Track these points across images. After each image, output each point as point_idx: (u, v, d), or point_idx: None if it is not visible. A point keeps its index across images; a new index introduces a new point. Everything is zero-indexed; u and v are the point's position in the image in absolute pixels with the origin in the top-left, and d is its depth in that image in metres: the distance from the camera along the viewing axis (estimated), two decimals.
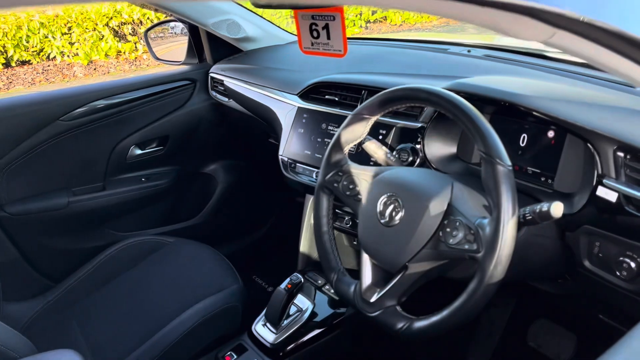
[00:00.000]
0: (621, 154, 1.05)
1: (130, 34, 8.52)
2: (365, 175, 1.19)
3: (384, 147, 1.32)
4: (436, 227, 1.02)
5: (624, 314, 1.17)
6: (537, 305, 1.73)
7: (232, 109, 2.15)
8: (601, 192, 1.06)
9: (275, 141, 2.06)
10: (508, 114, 1.32)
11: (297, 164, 1.66)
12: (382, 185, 1.13)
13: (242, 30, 2.15)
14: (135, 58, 8.55)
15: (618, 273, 1.08)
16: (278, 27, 2.29)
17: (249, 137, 2.33)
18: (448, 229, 1.00)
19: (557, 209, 0.95)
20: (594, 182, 1.08)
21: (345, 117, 1.56)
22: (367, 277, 1.14)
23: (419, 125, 1.41)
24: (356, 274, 1.20)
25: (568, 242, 1.17)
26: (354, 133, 1.22)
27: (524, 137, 1.30)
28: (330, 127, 1.61)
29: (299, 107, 1.71)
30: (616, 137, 1.04)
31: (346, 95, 1.63)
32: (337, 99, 1.63)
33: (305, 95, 1.73)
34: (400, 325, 1.04)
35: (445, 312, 0.98)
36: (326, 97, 1.66)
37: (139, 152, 2.14)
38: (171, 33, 2.39)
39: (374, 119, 1.19)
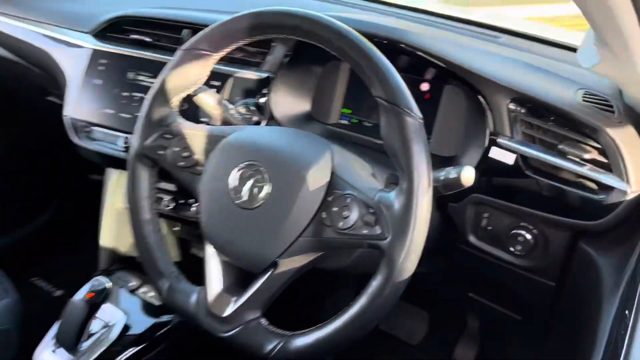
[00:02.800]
0: (517, 107, 0.88)
1: None
2: (206, 137, 0.85)
3: (224, 101, 0.98)
4: (317, 206, 0.73)
5: (507, 293, 1.05)
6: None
7: None
8: (495, 153, 0.90)
9: (57, 99, 1.54)
10: None
11: (94, 128, 1.22)
12: (236, 151, 0.80)
13: None
14: None
15: (512, 249, 0.93)
16: None
17: (16, 96, 1.75)
18: (335, 208, 0.72)
19: (467, 175, 0.73)
20: (485, 142, 0.91)
21: (162, 63, 1.17)
22: (215, 281, 0.81)
23: (264, 75, 1.09)
24: (196, 277, 0.86)
25: (450, 214, 0.99)
26: (187, 77, 0.86)
27: None
28: (140, 77, 1.20)
29: (94, 50, 1.25)
30: (513, 87, 0.87)
31: (162, 35, 1.23)
32: (148, 39, 1.22)
33: (101, 34, 1.28)
34: (270, 346, 0.74)
35: (337, 323, 0.71)
36: (132, 36, 1.24)
37: None
38: None
39: (217, 56, 0.85)
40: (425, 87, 1.04)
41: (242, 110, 1.04)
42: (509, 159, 0.88)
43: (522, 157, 0.87)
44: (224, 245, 0.79)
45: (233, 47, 0.82)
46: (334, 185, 0.74)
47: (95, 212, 1.40)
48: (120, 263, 1.37)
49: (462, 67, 0.89)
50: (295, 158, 0.76)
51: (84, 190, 1.84)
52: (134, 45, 1.23)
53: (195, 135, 0.85)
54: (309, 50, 1.08)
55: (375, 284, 0.68)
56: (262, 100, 1.10)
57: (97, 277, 1.17)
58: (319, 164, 0.75)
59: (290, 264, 0.75)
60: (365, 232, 0.69)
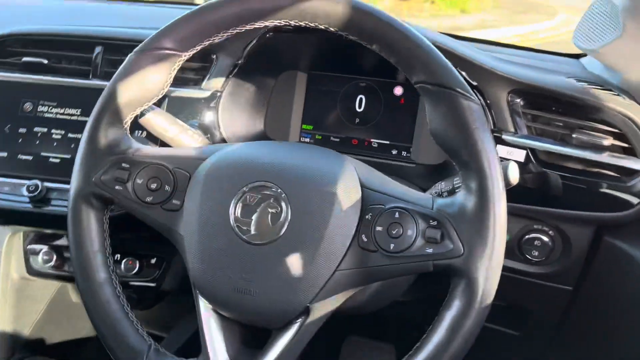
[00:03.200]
0: (517, 100, 0.81)
1: None
2: (181, 162, 0.65)
3: (178, 120, 0.79)
4: (354, 229, 0.58)
5: (507, 308, 0.95)
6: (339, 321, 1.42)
7: None
8: (501, 152, 0.81)
9: None
10: (335, 66, 0.96)
11: None
12: (233, 172, 0.61)
13: None
14: None
15: (528, 256, 0.84)
16: None
17: None
18: (379, 228, 0.57)
19: (514, 171, 0.63)
20: None
21: (69, 88, 0.95)
22: (218, 349, 0.60)
23: (208, 93, 0.91)
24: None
25: None
26: (144, 87, 0.65)
27: (360, 99, 0.96)
28: (42, 108, 0.94)
29: None
30: (512, 77, 0.80)
31: (63, 56, 0.99)
32: (46, 61, 0.97)
33: None
34: None
35: None
36: (24, 59, 0.98)
37: None
38: None
39: (184, 58, 0.66)
40: (399, 91, 0.94)
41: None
42: (518, 155, 0.79)
43: (532, 152, 0.80)
44: (229, 299, 0.59)
45: (206, 44, 0.64)
46: (369, 200, 0.59)
47: None
48: (24, 351, 1.07)
49: (455, 54, 0.80)
50: (314, 173, 0.60)
51: None
52: (26, 70, 0.98)
53: (166, 160, 0.65)
54: (258, 61, 0.93)
55: (454, 314, 0.54)
56: (207, 120, 0.92)
57: None
58: (345, 177, 0.60)
59: (326, 306, 0.58)
60: (429, 251, 0.55)
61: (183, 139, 0.79)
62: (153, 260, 1.04)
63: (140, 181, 0.64)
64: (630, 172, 0.76)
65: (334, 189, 0.58)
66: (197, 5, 1.26)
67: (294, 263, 0.57)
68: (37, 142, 0.93)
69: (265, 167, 0.61)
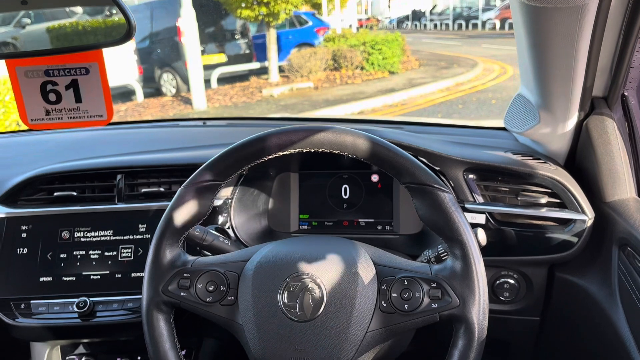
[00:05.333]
0: (472, 176, 1.04)
1: None
2: (228, 266, 0.83)
3: (210, 230, 0.97)
4: (375, 298, 0.77)
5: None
6: None
7: None
8: (467, 217, 1.03)
9: None
10: (320, 165, 1.17)
11: (32, 302, 1.06)
12: (276, 268, 0.79)
13: None
14: None
15: (501, 297, 1.05)
16: None
17: None
18: (394, 294, 0.76)
19: (482, 236, 0.85)
20: None
21: (99, 214, 1.11)
22: None
23: (221, 201, 1.10)
24: None
25: None
26: (193, 212, 0.83)
27: (345, 188, 1.17)
28: (78, 234, 1.10)
29: (8, 218, 1.11)
30: (464, 159, 1.03)
31: (88, 187, 1.16)
32: (75, 193, 1.14)
33: (10, 199, 1.15)
34: None
35: None
36: (56, 194, 1.14)
37: None
38: None
39: (223, 184, 0.85)
40: (375, 178, 1.16)
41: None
42: (479, 219, 1.02)
43: (490, 215, 1.02)
44: None
45: (239, 172, 0.84)
46: (382, 274, 0.78)
47: None
48: None
49: (420, 149, 1.03)
50: (339, 258, 0.79)
51: None
52: (58, 203, 1.14)
53: (217, 266, 0.82)
54: (258, 170, 1.13)
55: (460, 349, 0.72)
56: (221, 223, 1.10)
57: None
58: (361, 258, 0.79)
59: None
60: (435, 305, 0.74)
61: (216, 243, 0.96)
62: (183, 352, 1.17)
63: (200, 285, 0.81)
64: (565, 221, 0.99)
65: (355, 270, 0.77)
66: (203, 120, 1.48)
67: (335, 332, 0.75)
68: (78, 263, 1.08)
69: (301, 259, 0.79)
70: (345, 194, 1.17)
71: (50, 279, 1.07)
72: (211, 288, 0.81)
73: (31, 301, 1.06)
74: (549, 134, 1.00)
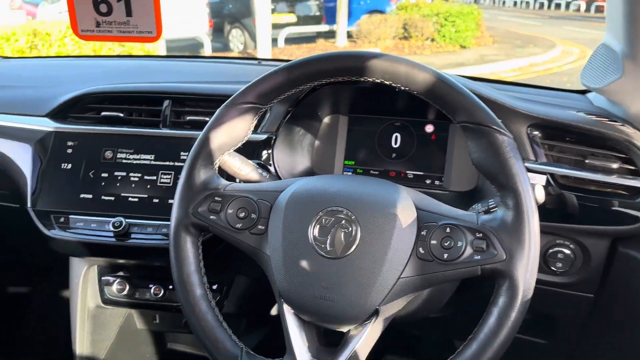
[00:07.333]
0: (536, 132, 0.95)
1: None
2: (262, 194, 0.79)
3: (249, 161, 0.93)
4: (413, 243, 0.71)
5: (535, 317, 1.06)
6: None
7: None
8: None
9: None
10: (372, 109, 1.10)
11: (71, 216, 1.07)
12: (310, 200, 0.74)
13: None
14: None
15: (553, 267, 0.97)
16: None
17: None
18: (433, 241, 0.70)
19: (540, 192, 0.76)
20: None
21: (143, 137, 1.09)
22: (301, 348, 0.73)
23: (264, 136, 1.06)
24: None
25: None
26: (232, 134, 0.80)
27: (395, 137, 1.10)
28: (121, 155, 1.09)
29: (57, 133, 1.12)
30: (530, 113, 0.94)
31: (136, 110, 1.14)
32: (122, 115, 1.13)
33: (60, 115, 1.15)
34: None
35: (470, 351, 0.67)
36: (104, 114, 1.13)
37: None
38: None
39: (264, 109, 0.80)
40: (430, 128, 1.08)
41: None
42: (540, 180, 0.93)
43: (551, 177, 0.93)
44: (310, 305, 0.72)
45: (281, 97, 0.79)
46: (423, 219, 0.72)
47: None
48: None
49: (483, 96, 0.94)
50: (378, 198, 0.73)
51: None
52: (105, 123, 1.13)
53: (250, 193, 0.78)
54: (307, 108, 1.08)
55: (500, 307, 0.66)
56: (264, 159, 1.06)
57: None
58: (402, 200, 0.73)
59: (391, 308, 0.71)
60: (477, 257, 0.67)
61: (253, 176, 0.93)
62: (215, 287, 1.16)
63: (231, 211, 0.77)
64: (637, 191, 0.89)
65: (394, 211, 0.71)
66: (258, 60, 1.45)
67: (365, 273, 0.70)
68: (118, 184, 1.07)
69: (337, 194, 0.74)
70: (396, 143, 1.10)
71: (90, 196, 1.07)
72: (242, 215, 0.77)
73: (70, 216, 1.07)
74: (631, 90, 0.89)
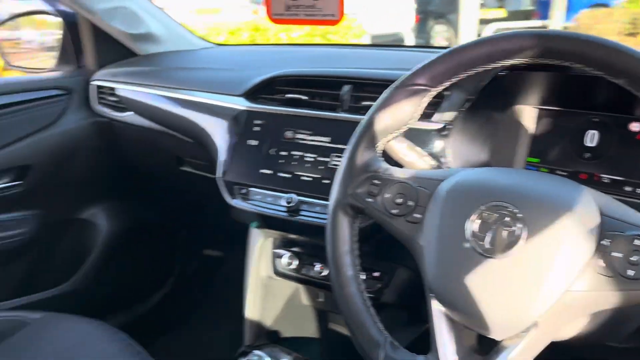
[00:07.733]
0: None
1: None
2: (422, 182, 0.75)
3: (417, 147, 0.89)
4: (591, 253, 0.60)
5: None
6: None
7: (127, 128, 1.57)
8: None
9: (193, 169, 1.53)
10: (565, 102, 0.98)
11: (251, 189, 1.16)
12: (472, 193, 0.69)
13: (144, 24, 1.62)
14: None
15: None
16: (187, 30, 1.80)
17: (150, 167, 1.75)
18: (617, 254, 0.59)
19: None
20: None
21: (322, 120, 1.12)
22: (448, 348, 0.68)
23: (439, 125, 1.01)
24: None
25: None
26: (398, 117, 0.78)
27: (592, 134, 0.96)
28: (299, 136, 1.15)
29: (248, 111, 1.22)
30: None
31: (317, 93, 1.19)
32: (306, 97, 1.18)
33: (253, 95, 1.25)
34: None
35: None
36: (288, 96, 1.20)
37: None
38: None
39: (434, 92, 0.77)
40: (636, 127, 0.92)
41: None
42: None
43: None
44: (462, 304, 0.67)
45: (453, 80, 0.74)
46: (607, 226, 0.61)
47: (222, 283, 1.31)
48: (267, 338, 1.27)
49: None
50: (551, 197, 0.65)
51: (206, 261, 1.78)
52: (288, 105, 1.20)
53: (410, 180, 0.76)
54: (490, 97, 1.00)
55: None
56: (436, 149, 1.01)
57: (256, 352, 1.06)
58: (583, 202, 0.63)
59: (554, 325, 0.62)
60: None
61: (419, 164, 0.89)
62: (376, 274, 1.15)
63: (388, 196, 0.75)
64: None
65: (571, 213, 0.62)
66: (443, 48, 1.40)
67: (527, 279, 0.62)
68: (293, 163, 1.13)
69: (504, 188, 0.67)
70: (591, 141, 0.96)
71: (269, 172, 1.15)
72: (399, 200, 0.75)
73: (250, 188, 1.16)
74: None
